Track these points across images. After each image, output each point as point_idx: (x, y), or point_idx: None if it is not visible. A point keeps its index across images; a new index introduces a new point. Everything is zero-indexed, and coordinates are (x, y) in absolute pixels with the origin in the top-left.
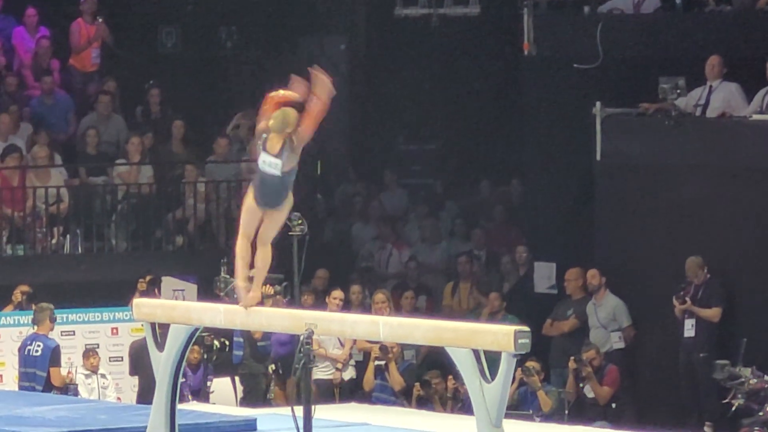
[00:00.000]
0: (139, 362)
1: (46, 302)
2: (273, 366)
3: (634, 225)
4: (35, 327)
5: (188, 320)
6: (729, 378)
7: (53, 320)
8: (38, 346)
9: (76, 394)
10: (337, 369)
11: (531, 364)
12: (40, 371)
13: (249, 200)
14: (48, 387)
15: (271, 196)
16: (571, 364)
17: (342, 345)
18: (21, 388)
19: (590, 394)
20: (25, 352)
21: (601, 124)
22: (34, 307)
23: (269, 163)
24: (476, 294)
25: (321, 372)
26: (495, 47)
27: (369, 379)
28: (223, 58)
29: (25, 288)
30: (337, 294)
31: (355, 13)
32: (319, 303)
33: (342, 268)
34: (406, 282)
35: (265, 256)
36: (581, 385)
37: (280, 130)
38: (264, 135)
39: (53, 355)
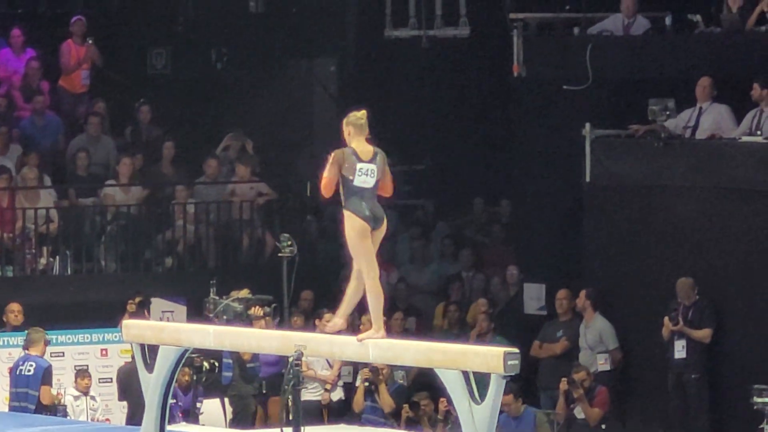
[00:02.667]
0: (128, 386)
1: (35, 324)
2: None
3: (624, 246)
4: (28, 349)
5: (178, 341)
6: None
7: (47, 343)
8: (31, 365)
9: (65, 415)
10: (325, 390)
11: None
12: (32, 391)
13: (358, 227)
14: (40, 407)
15: (376, 209)
16: (563, 386)
17: (331, 366)
18: (12, 408)
19: (580, 416)
20: (17, 372)
21: (591, 146)
22: (28, 330)
23: (366, 170)
24: (466, 315)
25: (309, 393)
26: (485, 69)
27: (359, 401)
28: (213, 79)
29: (17, 308)
30: (329, 317)
31: (345, 35)
32: (309, 324)
33: (332, 290)
34: (395, 303)
35: (377, 290)
36: (571, 406)
37: (363, 129)
38: (351, 149)
39: (45, 374)
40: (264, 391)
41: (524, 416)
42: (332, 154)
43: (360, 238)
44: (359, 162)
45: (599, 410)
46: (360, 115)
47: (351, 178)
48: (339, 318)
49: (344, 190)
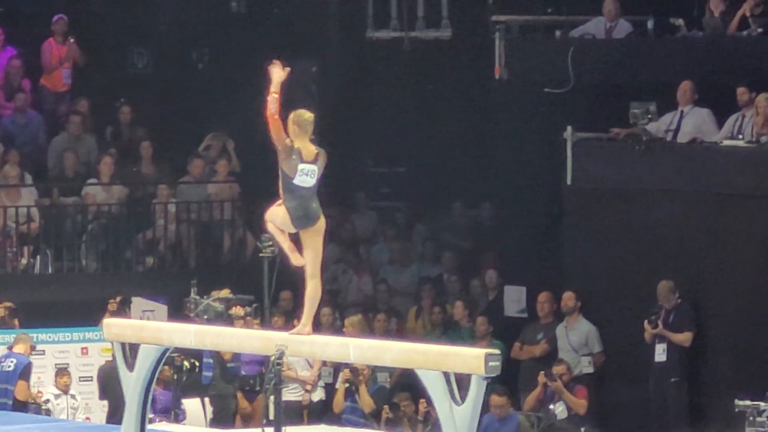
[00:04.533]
0: (108, 385)
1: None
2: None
3: (604, 249)
4: (12, 348)
5: (158, 341)
6: None
7: (33, 348)
8: (11, 362)
9: (39, 413)
10: (306, 390)
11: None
12: (11, 386)
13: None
14: (19, 403)
15: (310, 209)
16: (540, 379)
17: (311, 366)
18: None
19: (562, 416)
20: None
21: (572, 149)
22: (20, 333)
23: (307, 171)
24: (444, 315)
25: (290, 393)
26: (466, 71)
27: (339, 401)
28: (195, 78)
29: (7, 304)
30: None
31: (327, 36)
32: (289, 324)
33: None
34: (376, 305)
35: (316, 289)
36: (551, 406)
37: (308, 129)
38: (295, 147)
39: (24, 370)
40: (247, 389)
41: (509, 419)
42: (291, 121)
43: (278, 232)
44: (302, 162)
45: (585, 401)
46: (307, 117)
47: (291, 176)
48: (304, 326)
49: (283, 185)
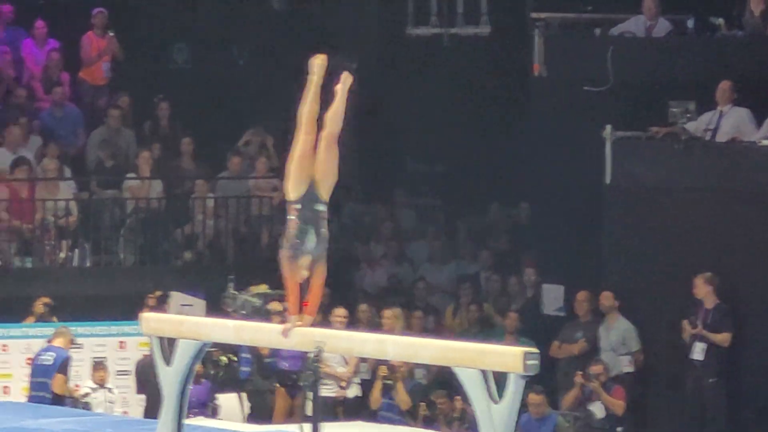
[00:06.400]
0: (145, 379)
1: (54, 315)
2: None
3: (643, 248)
4: (51, 341)
5: (196, 335)
6: None
7: (73, 341)
8: (51, 355)
9: (77, 406)
10: (340, 387)
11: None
12: (50, 380)
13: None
14: (57, 397)
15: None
16: (578, 379)
17: (346, 363)
18: (31, 398)
19: (600, 415)
20: (37, 362)
21: (611, 147)
22: (60, 326)
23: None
24: (481, 313)
25: (324, 389)
26: (505, 68)
27: (376, 398)
28: (234, 74)
29: (46, 300)
30: (340, 312)
31: (366, 32)
32: (325, 320)
33: (347, 286)
34: (414, 302)
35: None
36: (589, 403)
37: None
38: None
39: (63, 364)
40: (289, 384)
41: (547, 418)
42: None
43: None
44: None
45: (622, 402)
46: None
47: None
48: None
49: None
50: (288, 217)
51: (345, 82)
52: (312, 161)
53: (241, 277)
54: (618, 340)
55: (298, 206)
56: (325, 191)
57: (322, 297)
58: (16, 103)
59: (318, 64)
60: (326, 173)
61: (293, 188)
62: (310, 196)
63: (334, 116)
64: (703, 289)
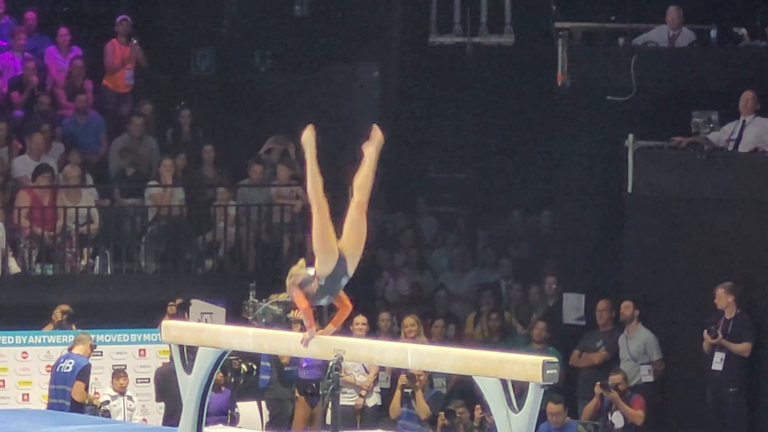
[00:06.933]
0: (165, 387)
1: (74, 322)
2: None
3: (664, 258)
4: (72, 349)
5: (216, 343)
6: None
7: (93, 347)
8: (70, 363)
9: (96, 414)
10: (360, 395)
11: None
12: (69, 388)
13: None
14: (76, 404)
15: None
16: (597, 389)
17: (367, 371)
18: (51, 405)
19: (619, 424)
20: (57, 369)
21: (633, 157)
22: (80, 333)
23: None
24: (501, 321)
25: (344, 398)
26: (529, 77)
27: (395, 406)
28: (257, 82)
29: (65, 307)
30: (360, 319)
31: (390, 40)
32: (345, 329)
33: (367, 295)
34: (435, 310)
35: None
36: (609, 415)
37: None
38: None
39: (82, 371)
40: (309, 392)
41: (567, 428)
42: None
43: None
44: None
45: (642, 412)
46: (300, 264)
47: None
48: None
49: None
50: (309, 273)
51: (374, 139)
52: (333, 230)
53: (262, 285)
54: (638, 350)
55: (323, 283)
56: (353, 266)
57: (348, 314)
58: (40, 110)
59: (307, 136)
60: (356, 247)
61: (320, 267)
62: (338, 273)
63: (363, 184)
64: (724, 299)
